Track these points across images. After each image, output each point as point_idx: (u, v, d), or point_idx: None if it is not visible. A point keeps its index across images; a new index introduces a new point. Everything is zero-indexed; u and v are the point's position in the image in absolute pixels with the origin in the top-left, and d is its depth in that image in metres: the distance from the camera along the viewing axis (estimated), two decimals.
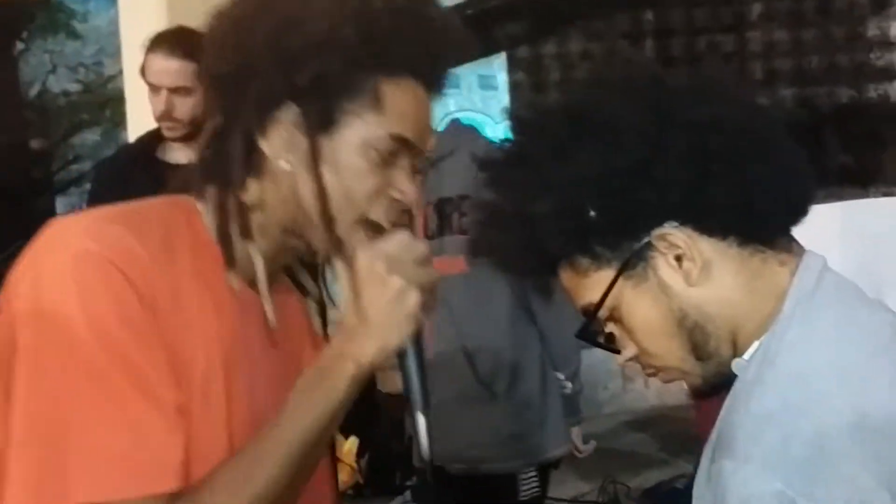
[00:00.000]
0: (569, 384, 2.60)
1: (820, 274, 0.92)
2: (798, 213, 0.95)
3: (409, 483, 4.01)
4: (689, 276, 0.91)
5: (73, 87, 8.02)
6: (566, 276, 0.97)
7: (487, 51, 7.84)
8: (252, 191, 0.99)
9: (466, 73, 7.90)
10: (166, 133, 2.63)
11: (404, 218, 1.00)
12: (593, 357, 6.12)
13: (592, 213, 0.90)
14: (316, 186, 0.96)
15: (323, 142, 0.96)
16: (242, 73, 0.96)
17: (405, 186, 0.99)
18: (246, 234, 1.00)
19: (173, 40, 2.57)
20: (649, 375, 1.00)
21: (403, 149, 0.98)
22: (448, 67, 1.03)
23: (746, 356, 0.92)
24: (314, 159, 0.96)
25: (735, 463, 0.83)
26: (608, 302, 0.94)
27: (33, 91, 8.03)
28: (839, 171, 2.57)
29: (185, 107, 2.55)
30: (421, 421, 0.95)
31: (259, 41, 0.94)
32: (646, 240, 0.92)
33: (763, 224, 0.92)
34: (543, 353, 2.50)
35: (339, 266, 0.99)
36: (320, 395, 0.94)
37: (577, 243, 0.93)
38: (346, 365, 0.94)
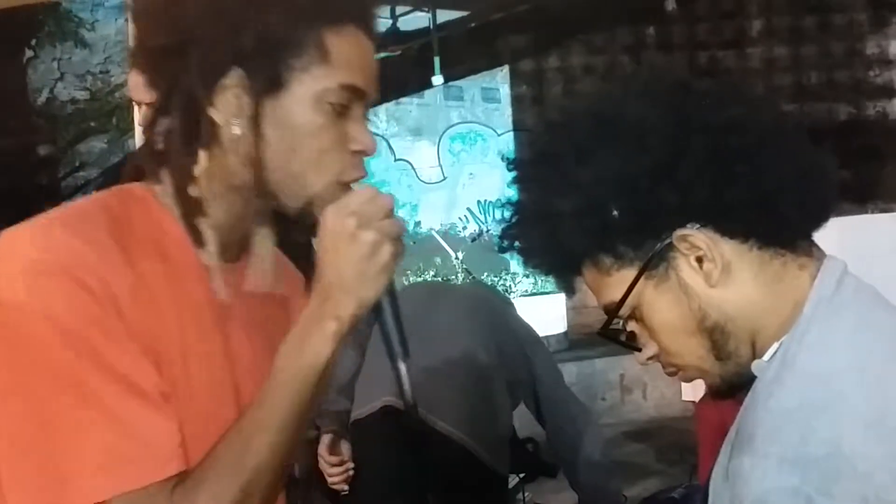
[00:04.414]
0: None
1: (840, 278, 0.92)
2: (819, 217, 0.95)
3: None
4: (709, 277, 0.92)
5: (81, 95, 8.03)
6: (589, 275, 0.98)
7: (491, 64, 7.90)
8: (202, 162, 0.98)
9: (470, 86, 7.96)
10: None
11: (364, 169, 1.00)
12: (592, 368, 6.17)
13: (615, 213, 0.92)
14: (276, 147, 0.95)
15: (274, 102, 0.95)
16: (182, 43, 0.94)
17: (363, 136, 0.98)
18: (199, 211, 0.99)
19: None
20: (669, 374, 1.02)
21: (354, 98, 0.98)
22: (377, 8, 1.04)
23: (766, 357, 0.92)
24: (255, 121, 0.95)
25: (754, 459, 0.84)
26: (630, 300, 0.95)
27: (41, 98, 8.06)
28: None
29: None
30: (402, 369, 0.97)
31: (197, 9, 0.93)
32: (667, 240, 0.92)
33: (784, 227, 0.93)
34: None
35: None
36: (306, 358, 0.94)
37: (599, 242, 0.94)
38: (327, 324, 0.94)
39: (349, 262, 0.93)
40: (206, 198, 0.99)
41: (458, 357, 2.31)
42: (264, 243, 1.08)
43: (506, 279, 7.57)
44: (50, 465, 0.85)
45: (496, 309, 2.53)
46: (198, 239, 0.99)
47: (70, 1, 7.50)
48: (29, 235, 0.90)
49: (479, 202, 8.00)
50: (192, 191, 0.98)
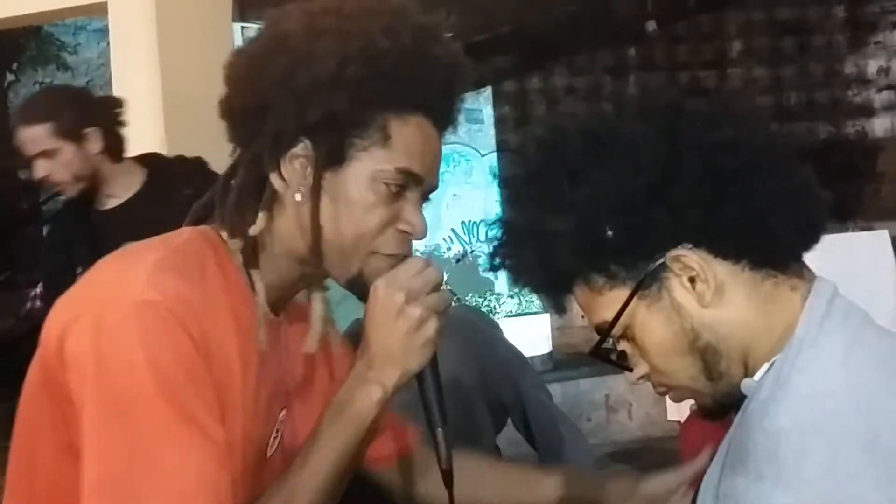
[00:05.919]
0: None
1: (830, 300, 0.93)
2: (810, 237, 0.96)
3: None
4: (702, 297, 0.93)
5: None
6: (581, 294, 0.98)
7: (474, 85, 7.94)
8: (260, 223, 1.03)
9: None
10: (64, 194, 2.61)
11: (410, 246, 1.04)
12: (577, 388, 6.16)
13: (609, 233, 0.92)
14: (329, 219, 1.00)
15: (334, 176, 1.00)
16: (258, 109, 0.99)
17: (413, 218, 1.03)
18: (251, 264, 1.04)
19: (26, 109, 2.56)
20: (660, 394, 1.01)
21: (411, 181, 1.02)
22: (457, 101, 1.09)
23: (756, 377, 0.93)
24: (316, 192, 1.00)
25: (748, 480, 0.84)
26: (622, 320, 0.95)
27: None
28: None
29: (57, 168, 2.52)
30: (440, 436, 1.03)
31: (271, 79, 0.98)
32: (660, 261, 0.93)
33: (776, 248, 0.93)
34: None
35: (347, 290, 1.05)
36: (349, 422, 1.00)
37: (592, 262, 0.95)
38: (371, 390, 1.00)
39: (395, 336, 0.98)
40: (260, 255, 1.04)
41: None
42: (320, 307, 1.13)
43: (490, 300, 7.56)
44: (127, 500, 0.88)
45: (479, 332, 2.52)
46: (254, 290, 1.04)
47: (52, 25, 7.50)
48: (143, 274, 0.94)
49: (463, 223, 8.00)
50: (250, 246, 1.03)
